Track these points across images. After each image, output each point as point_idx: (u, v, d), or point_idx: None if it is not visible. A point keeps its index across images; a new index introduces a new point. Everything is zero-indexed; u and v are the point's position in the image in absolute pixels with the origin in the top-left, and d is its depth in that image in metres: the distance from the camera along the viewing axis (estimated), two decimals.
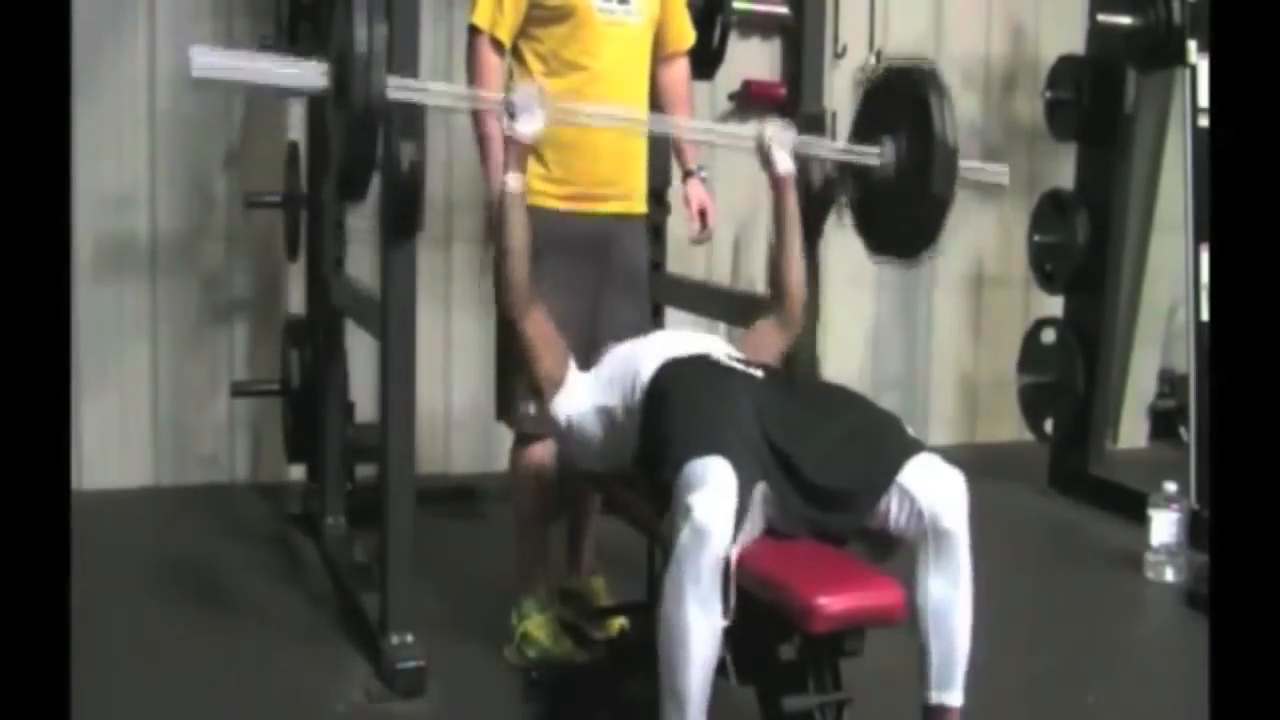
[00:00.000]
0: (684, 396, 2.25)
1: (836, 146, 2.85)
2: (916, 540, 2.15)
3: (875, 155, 2.72)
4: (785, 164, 2.63)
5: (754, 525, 2.14)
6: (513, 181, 2.49)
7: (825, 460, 2.19)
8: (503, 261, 2.52)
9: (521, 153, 2.51)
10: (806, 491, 2.19)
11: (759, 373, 2.37)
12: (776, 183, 2.65)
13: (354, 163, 2.41)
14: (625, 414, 2.41)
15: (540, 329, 2.53)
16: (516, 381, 2.85)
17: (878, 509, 2.17)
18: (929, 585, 2.14)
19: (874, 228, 2.88)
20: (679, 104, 3.09)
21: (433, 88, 2.59)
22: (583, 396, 2.50)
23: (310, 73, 2.42)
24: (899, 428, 2.28)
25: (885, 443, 2.23)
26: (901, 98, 2.72)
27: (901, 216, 2.74)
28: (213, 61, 2.37)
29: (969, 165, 2.75)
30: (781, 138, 2.64)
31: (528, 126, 2.46)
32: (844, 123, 4.82)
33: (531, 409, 2.82)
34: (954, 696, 2.17)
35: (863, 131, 2.82)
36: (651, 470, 2.22)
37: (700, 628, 2.03)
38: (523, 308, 2.51)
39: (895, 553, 2.22)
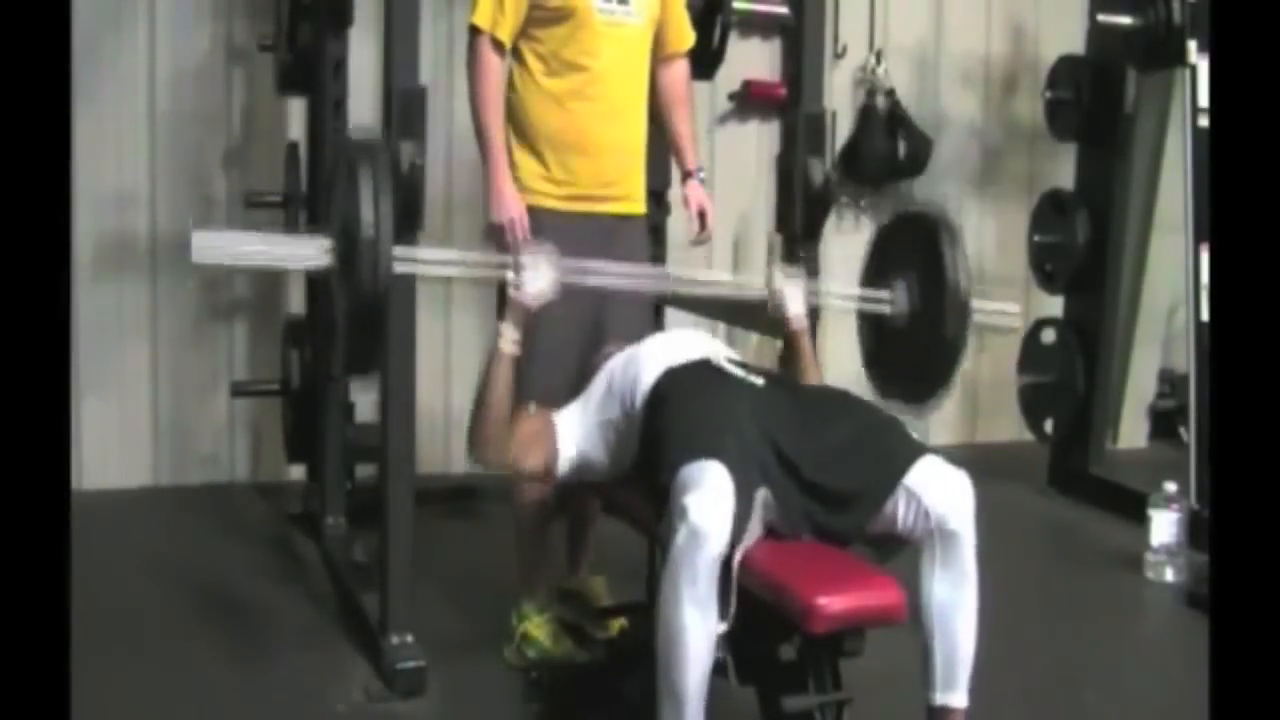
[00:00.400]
0: (683, 403, 2.25)
1: (848, 293, 2.76)
2: (922, 541, 2.15)
3: (887, 301, 2.66)
4: (798, 313, 2.61)
5: (754, 531, 2.14)
6: (507, 342, 2.41)
7: (830, 464, 2.20)
8: (480, 413, 2.42)
9: (523, 313, 2.41)
10: (812, 494, 2.19)
11: (759, 379, 2.37)
12: (790, 331, 2.62)
13: (361, 340, 2.32)
14: (626, 420, 2.41)
15: (534, 433, 2.46)
16: (518, 385, 2.85)
17: (884, 511, 2.17)
18: (934, 586, 2.14)
19: (889, 372, 2.80)
20: (679, 105, 3.09)
21: (439, 256, 2.49)
22: (580, 429, 2.48)
23: (313, 250, 2.33)
24: (903, 430, 2.29)
25: (890, 445, 2.23)
26: (913, 242, 2.66)
27: (913, 361, 2.67)
28: (214, 244, 2.28)
29: (981, 308, 2.66)
30: (792, 288, 2.62)
31: (534, 288, 2.38)
32: (844, 123, 4.89)
33: (532, 409, 2.82)
34: (958, 698, 2.17)
35: (874, 274, 2.74)
36: (650, 474, 2.22)
37: (696, 629, 2.03)
38: (499, 452, 2.44)
39: (899, 553, 2.22)
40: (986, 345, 5.23)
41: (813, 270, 3.29)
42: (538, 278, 2.38)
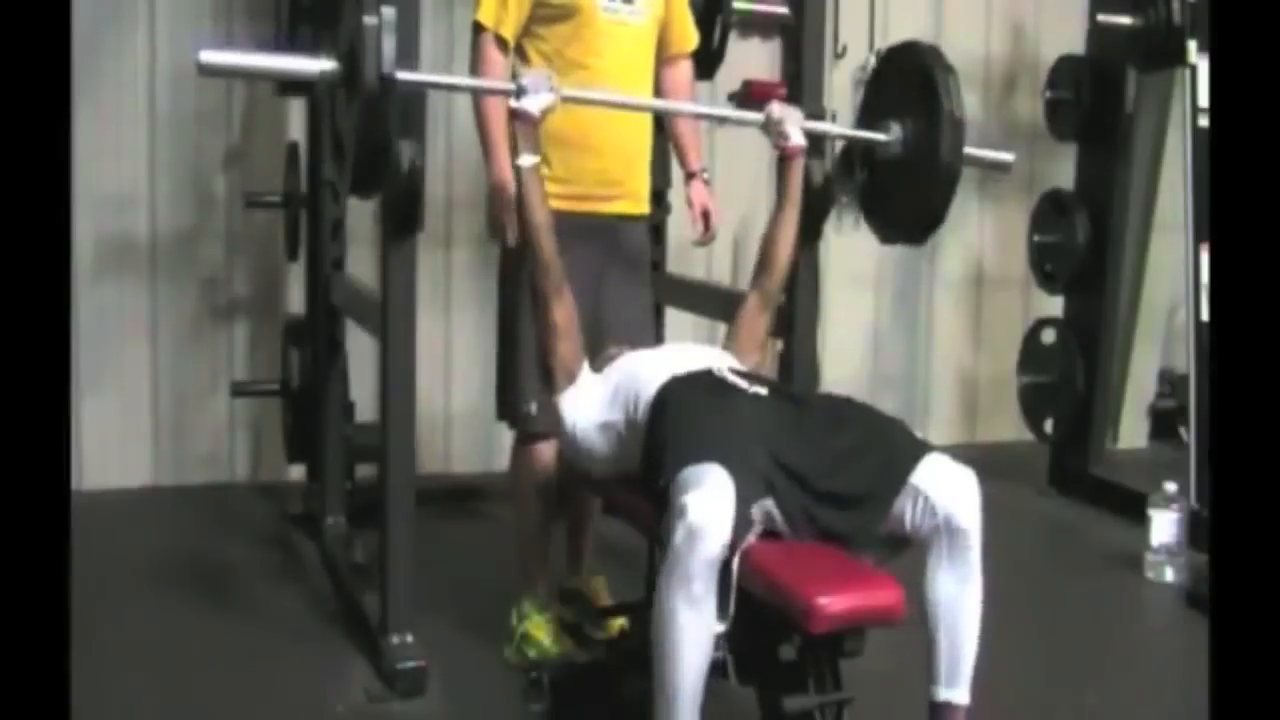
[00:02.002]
0: (684, 415, 2.26)
1: (843, 128, 2.92)
2: (929, 538, 2.16)
3: (882, 133, 2.76)
4: (797, 137, 2.71)
5: (754, 532, 2.14)
6: (526, 159, 2.53)
7: (837, 470, 2.20)
8: (531, 238, 2.55)
9: (532, 133, 2.54)
10: (820, 501, 2.19)
11: (762, 389, 2.37)
12: (787, 156, 2.72)
13: (366, 149, 2.41)
14: (628, 428, 2.41)
15: (566, 314, 2.55)
16: (518, 381, 2.85)
17: (892, 511, 2.18)
18: (939, 583, 2.15)
19: (882, 211, 2.91)
20: None
21: (442, 76, 2.61)
22: (589, 407, 2.50)
23: (319, 61, 2.47)
24: (906, 430, 2.30)
25: (896, 445, 2.24)
26: (905, 77, 2.76)
27: (909, 195, 2.77)
28: (219, 57, 2.42)
29: (974, 151, 2.77)
30: (791, 115, 2.73)
31: (535, 104, 2.50)
32: (844, 122, 4.86)
33: (533, 409, 2.82)
34: (961, 695, 2.17)
35: (868, 117, 2.86)
36: (651, 482, 2.22)
37: (692, 628, 2.03)
38: (552, 289, 2.54)
39: (904, 552, 2.22)
40: (986, 345, 5.26)
41: (813, 271, 3.30)
42: (539, 96, 2.50)
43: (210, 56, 2.41)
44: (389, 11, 2.36)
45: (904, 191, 2.80)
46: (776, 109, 2.73)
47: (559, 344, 2.55)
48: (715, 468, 2.06)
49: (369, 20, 2.33)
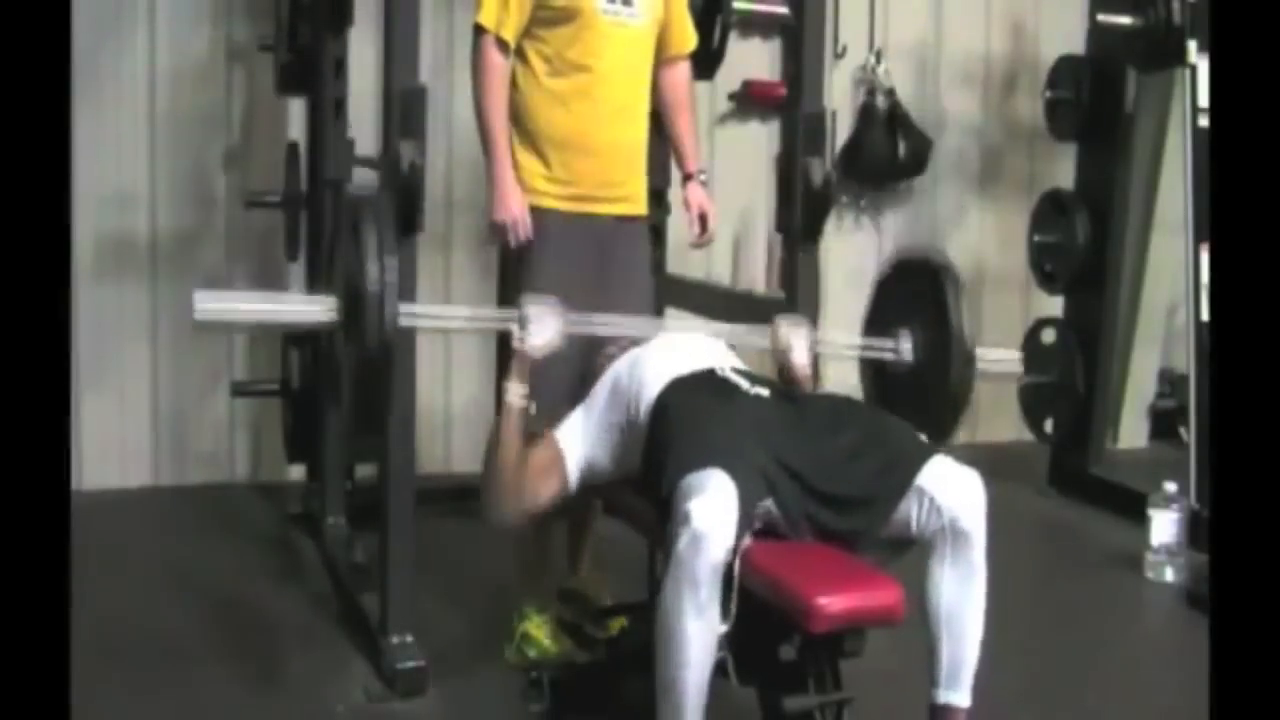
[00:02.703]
0: (686, 419, 2.25)
1: (853, 343, 2.74)
2: (933, 540, 2.15)
3: (891, 350, 2.64)
4: (802, 362, 2.60)
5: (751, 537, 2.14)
6: (515, 396, 2.41)
7: (840, 472, 2.20)
8: (493, 471, 2.45)
9: (529, 365, 2.42)
10: (823, 503, 2.19)
11: (765, 390, 2.37)
12: (793, 380, 2.59)
13: (368, 397, 2.38)
14: (630, 426, 2.41)
15: (536, 484, 2.46)
16: None
17: (898, 513, 2.17)
18: (943, 585, 2.15)
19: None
20: (680, 107, 3.09)
21: (444, 312, 2.53)
22: (584, 435, 2.48)
23: (318, 308, 2.35)
24: (911, 432, 2.29)
25: (901, 447, 2.23)
26: (915, 290, 2.64)
27: (920, 409, 2.60)
28: (216, 305, 2.30)
29: (985, 355, 2.64)
30: (797, 334, 2.62)
31: (539, 340, 2.39)
32: (844, 123, 4.89)
33: (532, 409, 2.82)
34: (961, 697, 2.17)
35: (878, 322, 2.73)
36: (653, 486, 2.22)
37: (697, 632, 2.03)
38: (515, 501, 2.46)
39: (907, 552, 2.22)
40: (986, 343, 5.25)
41: (813, 271, 3.30)
42: (543, 329, 2.39)
43: (206, 304, 2.26)
44: (392, 263, 2.23)
45: (912, 403, 2.63)
46: (783, 330, 2.61)
47: (542, 497, 2.48)
48: (718, 473, 2.06)
49: (372, 278, 2.20)
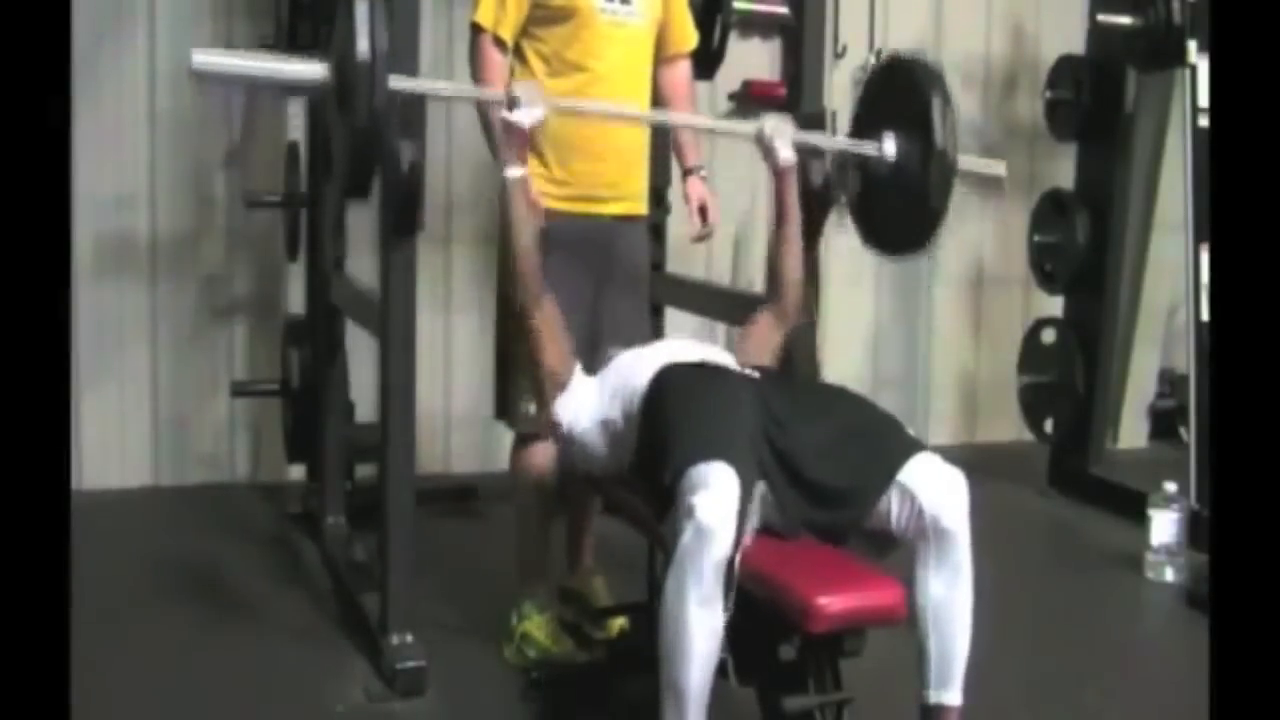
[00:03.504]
0: (682, 401, 2.25)
1: (836, 140, 2.85)
2: (917, 539, 2.15)
3: (874, 148, 2.72)
4: (786, 154, 2.64)
5: (752, 524, 2.14)
6: (513, 171, 2.50)
7: (824, 458, 2.20)
8: (509, 253, 2.53)
9: (520, 145, 2.51)
10: (805, 489, 2.19)
11: (755, 374, 2.37)
12: (778, 173, 2.65)
13: (358, 162, 2.40)
14: (626, 426, 2.40)
15: (548, 324, 2.52)
16: (517, 380, 2.85)
17: (878, 508, 2.17)
18: (929, 584, 2.14)
19: (873, 222, 2.87)
20: (680, 106, 3.09)
21: (435, 84, 2.59)
22: (585, 408, 2.49)
23: (312, 68, 2.43)
24: (899, 427, 2.28)
25: (885, 441, 2.23)
26: (901, 92, 2.72)
27: (900, 211, 2.74)
28: (213, 59, 2.39)
29: (967, 161, 2.74)
30: (782, 130, 2.65)
31: (526, 116, 2.47)
32: (844, 122, 4.88)
33: (531, 409, 2.82)
34: (953, 696, 2.17)
35: (863, 124, 2.81)
36: (651, 476, 2.22)
37: (702, 627, 2.03)
38: (531, 300, 2.51)
39: (894, 550, 2.22)
40: (986, 345, 5.26)
41: (813, 271, 3.30)
42: (531, 107, 2.47)
43: (204, 58, 2.38)
44: (383, 27, 2.32)
45: (895, 206, 2.76)
46: (768, 125, 2.65)
47: (545, 351, 2.51)
48: (722, 466, 2.05)
49: (361, 33, 2.29)
